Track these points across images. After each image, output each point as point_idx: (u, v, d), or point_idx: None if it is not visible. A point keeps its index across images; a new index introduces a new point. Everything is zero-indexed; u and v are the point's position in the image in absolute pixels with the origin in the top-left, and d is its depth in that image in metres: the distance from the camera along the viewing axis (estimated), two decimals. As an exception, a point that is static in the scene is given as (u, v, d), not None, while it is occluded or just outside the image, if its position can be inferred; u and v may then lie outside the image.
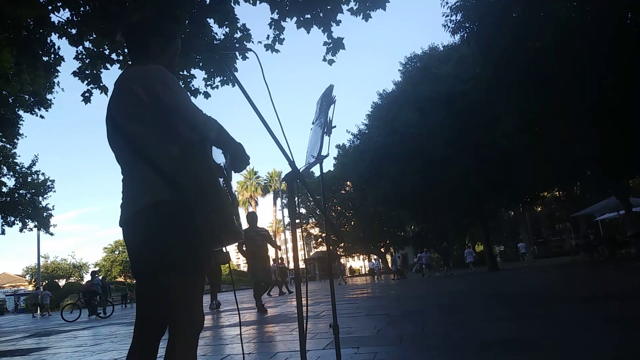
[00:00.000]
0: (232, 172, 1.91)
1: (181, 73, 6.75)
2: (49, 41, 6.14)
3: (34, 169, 22.05)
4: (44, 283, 46.93)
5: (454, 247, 37.51)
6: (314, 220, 51.59)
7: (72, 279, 60.23)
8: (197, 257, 1.65)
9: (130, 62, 1.96)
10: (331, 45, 6.42)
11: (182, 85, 5.40)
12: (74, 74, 6.37)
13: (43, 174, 22.43)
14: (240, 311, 2.35)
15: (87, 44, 6.23)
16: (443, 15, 17.65)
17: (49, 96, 13.54)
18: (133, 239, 1.72)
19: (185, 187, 1.62)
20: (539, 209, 47.63)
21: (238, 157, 1.86)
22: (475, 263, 26.90)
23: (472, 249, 28.63)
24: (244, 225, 8.54)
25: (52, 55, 6.24)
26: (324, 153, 2.55)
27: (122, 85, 1.74)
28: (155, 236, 1.62)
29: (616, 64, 13.76)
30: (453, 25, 17.58)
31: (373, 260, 38.69)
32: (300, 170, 2.28)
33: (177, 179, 1.63)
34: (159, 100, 1.66)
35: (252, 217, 9.40)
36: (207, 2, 6.22)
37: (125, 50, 6.28)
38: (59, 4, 5.85)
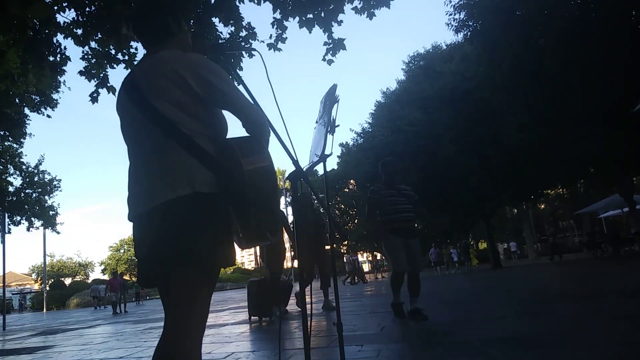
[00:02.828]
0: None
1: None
2: (55, 41, 6.18)
3: (41, 168, 22.20)
4: (50, 282, 47.21)
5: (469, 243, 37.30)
6: (317, 219, 51.54)
7: (77, 277, 60.53)
8: (222, 252, 1.60)
9: (149, 49, 1.85)
10: (331, 46, 6.44)
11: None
12: (80, 73, 6.42)
13: (49, 173, 22.58)
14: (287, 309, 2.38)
15: (92, 44, 6.27)
16: (447, 13, 17.69)
17: (54, 96, 13.62)
18: (158, 230, 1.58)
19: (237, 183, 1.56)
20: (543, 206, 47.50)
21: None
22: (435, 265, 27.07)
23: (456, 249, 28.53)
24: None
25: (59, 55, 6.28)
26: (327, 152, 2.58)
27: (163, 67, 1.63)
28: (189, 228, 1.53)
29: (620, 61, 13.71)
30: (457, 24, 17.58)
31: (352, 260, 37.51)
32: (304, 169, 2.30)
33: (230, 174, 1.58)
34: (213, 89, 1.62)
35: (393, 166, 5.87)
36: (212, 1, 6.24)
37: (132, 49, 6.34)
38: (64, 4, 5.88)
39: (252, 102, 1.73)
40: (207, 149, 1.60)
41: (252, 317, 7.51)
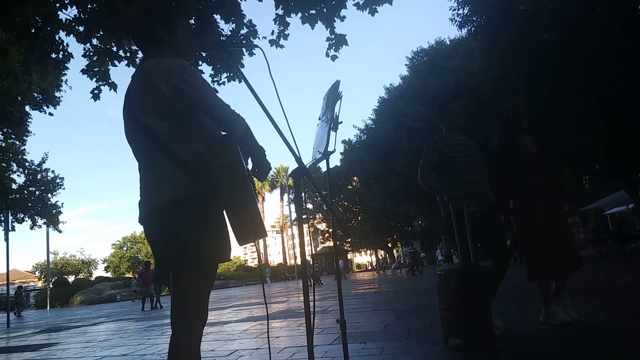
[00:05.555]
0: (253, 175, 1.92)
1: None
2: (57, 38, 6.17)
3: (44, 166, 22.24)
4: (54, 279, 47.38)
5: None
6: (320, 216, 51.65)
7: (80, 275, 60.84)
8: (210, 254, 1.65)
9: (144, 56, 1.94)
10: (334, 41, 6.42)
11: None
12: (83, 71, 6.40)
13: (53, 171, 22.64)
14: (267, 305, 2.36)
15: (94, 41, 6.26)
16: (450, 9, 17.59)
17: (57, 94, 13.59)
18: (155, 234, 1.70)
19: (212, 183, 1.60)
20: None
21: (260, 162, 1.87)
22: (445, 261, 26.95)
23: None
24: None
25: (61, 53, 6.27)
26: (330, 149, 2.55)
27: (143, 79, 1.71)
28: (176, 231, 1.61)
29: (624, 56, 13.63)
30: (460, 19, 17.50)
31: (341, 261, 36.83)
32: (307, 166, 2.28)
33: (204, 175, 1.62)
34: (185, 95, 1.65)
35: None
36: (213, -1, 6.22)
37: (134, 47, 6.32)
38: (66, 1, 5.87)
39: (225, 102, 1.75)
40: (186, 152, 1.65)
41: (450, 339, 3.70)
